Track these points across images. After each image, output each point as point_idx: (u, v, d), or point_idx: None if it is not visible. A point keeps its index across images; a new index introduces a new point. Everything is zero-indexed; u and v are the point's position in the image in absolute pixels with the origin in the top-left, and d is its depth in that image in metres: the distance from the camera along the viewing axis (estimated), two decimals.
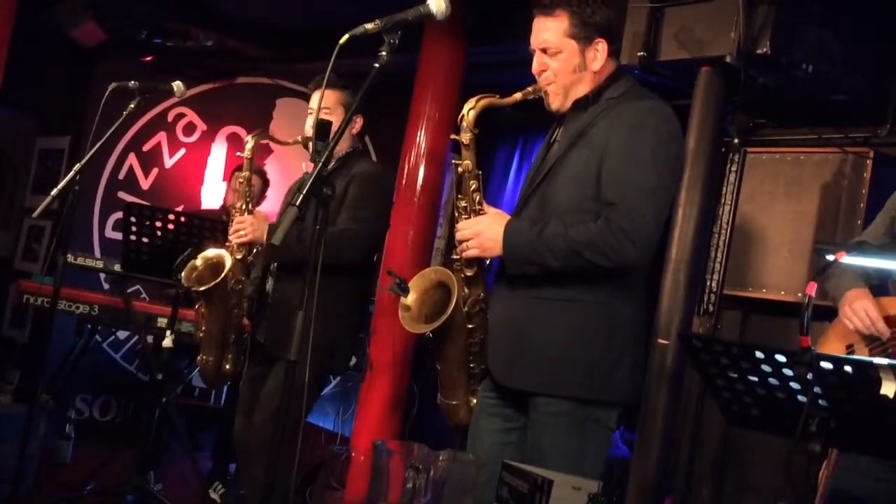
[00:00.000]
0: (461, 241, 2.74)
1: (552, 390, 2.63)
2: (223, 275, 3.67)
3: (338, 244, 3.44)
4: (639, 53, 4.06)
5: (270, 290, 3.69)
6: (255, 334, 3.72)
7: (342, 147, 3.75)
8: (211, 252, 3.82)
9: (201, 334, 3.84)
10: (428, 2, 2.41)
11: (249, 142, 3.81)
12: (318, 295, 3.43)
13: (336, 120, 3.66)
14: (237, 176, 3.97)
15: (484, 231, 2.69)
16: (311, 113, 3.74)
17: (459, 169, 2.77)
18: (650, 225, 2.58)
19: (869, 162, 4.23)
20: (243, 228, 3.66)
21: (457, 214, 2.80)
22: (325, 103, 3.67)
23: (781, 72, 3.92)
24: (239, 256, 3.72)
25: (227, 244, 3.75)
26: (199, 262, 3.83)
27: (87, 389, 6.38)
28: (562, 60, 2.71)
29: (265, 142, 4.16)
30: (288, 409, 2.44)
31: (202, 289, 3.69)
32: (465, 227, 2.74)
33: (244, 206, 3.75)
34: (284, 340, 3.48)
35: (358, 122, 3.80)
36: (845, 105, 4.24)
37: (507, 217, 2.73)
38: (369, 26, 2.33)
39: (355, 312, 3.77)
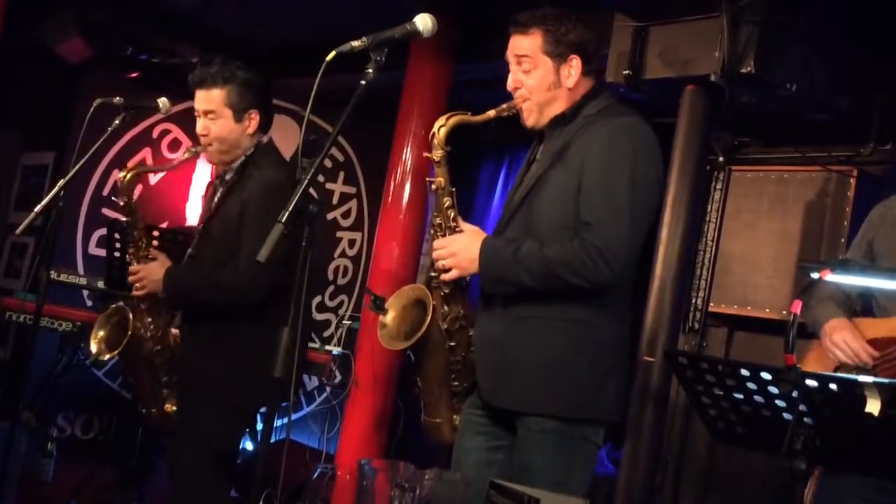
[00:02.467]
0: (437, 260, 2.74)
1: (540, 409, 2.63)
2: (129, 333, 3.39)
3: (241, 289, 3.13)
4: (624, 72, 4.08)
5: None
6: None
7: (237, 153, 3.37)
8: (111, 309, 3.53)
9: (132, 386, 3.61)
10: (415, 19, 2.42)
11: (124, 178, 3.43)
12: (222, 336, 3.25)
13: (225, 121, 3.31)
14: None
15: (461, 251, 2.69)
16: (198, 116, 3.34)
17: (433, 186, 2.76)
18: (625, 244, 2.58)
19: (852, 180, 4.26)
20: (138, 281, 3.38)
21: (432, 232, 2.80)
22: (209, 105, 3.30)
23: (765, 91, 3.95)
24: (144, 306, 3.45)
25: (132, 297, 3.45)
26: (99, 328, 3.53)
27: (70, 407, 6.31)
28: (536, 77, 2.73)
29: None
30: (268, 432, 2.39)
31: (114, 354, 3.44)
32: (441, 247, 2.73)
33: (139, 253, 3.43)
34: (197, 378, 3.29)
35: (254, 120, 3.35)
36: (829, 124, 4.27)
37: (484, 235, 2.73)
38: (356, 43, 2.33)
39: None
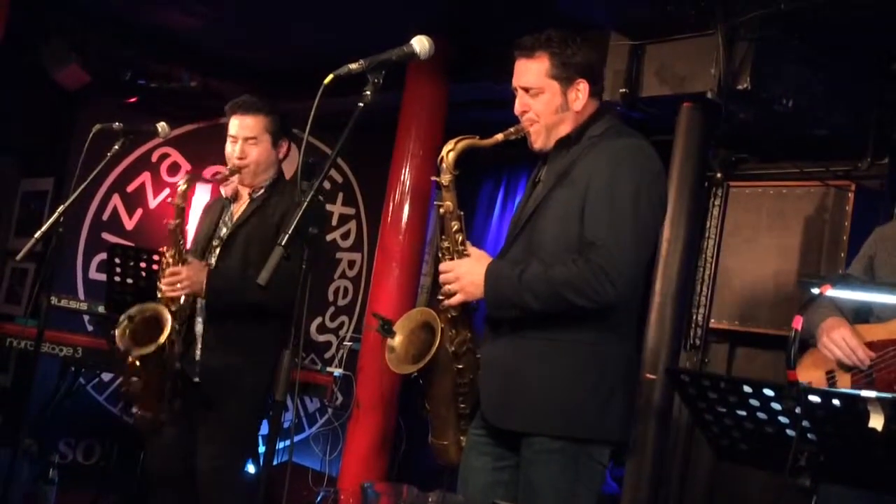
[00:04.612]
0: (443, 284, 2.74)
1: (545, 430, 2.61)
2: (165, 337, 3.39)
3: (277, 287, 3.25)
4: (621, 90, 4.10)
5: (201, 329, 3.54)
6: (185, 371, 3.53)
7: (266, 175, 3.61)
8: (147, 306, 3.52)
9: (133, 387, 3.53)
10: (411, 42, 2.43)
11: (182, 186, 3.55)
12: (249, 339, 3.42)
13: (263, 147, 3.55)
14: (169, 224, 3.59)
15: (465, 275, 2.69)
16: (233, 140, 3.55)
17: (441, 210, 2.76)
18: (630, 264, 2.58)
19: (851, 195, 4.27)
20: (180, 280, 3.44)
21: (440, 255, 2.80)
22: (250, 132, 3.53)
23: (762, 107, 3.97)
24: (174, 308, 3.49)
25: (161, 294, 3.50)
26: (133, 313, 3.50)
27: (71, 432, 6.29)
28: (544, 101, 2.72)
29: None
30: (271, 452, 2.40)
31: (142, 353, 3.40)
32: (446, 270, 2.73)
33: (177, 255, 3.52)
34: (226, 381, 3.42)
35: (284, 147, 3.66)
36: (826, 139, 4.29)
37: (489, 259, 2.72)
38: (353, 66, 2.34)
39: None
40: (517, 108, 2.77)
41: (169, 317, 3.44)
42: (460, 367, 2.80)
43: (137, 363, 3.47)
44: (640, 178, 2.62)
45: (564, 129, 2.74)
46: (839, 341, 2.74)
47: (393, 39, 2.47)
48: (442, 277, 2.73)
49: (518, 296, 2.59)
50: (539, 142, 2.76)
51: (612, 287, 2.52)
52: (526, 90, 2.74)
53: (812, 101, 4.01)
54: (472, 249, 2.75)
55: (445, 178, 2.73)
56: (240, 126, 3.56)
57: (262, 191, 3.60)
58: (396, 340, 2.88)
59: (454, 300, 2.71)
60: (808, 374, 2.82)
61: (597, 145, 2.68)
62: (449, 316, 2.78)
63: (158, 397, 3.53)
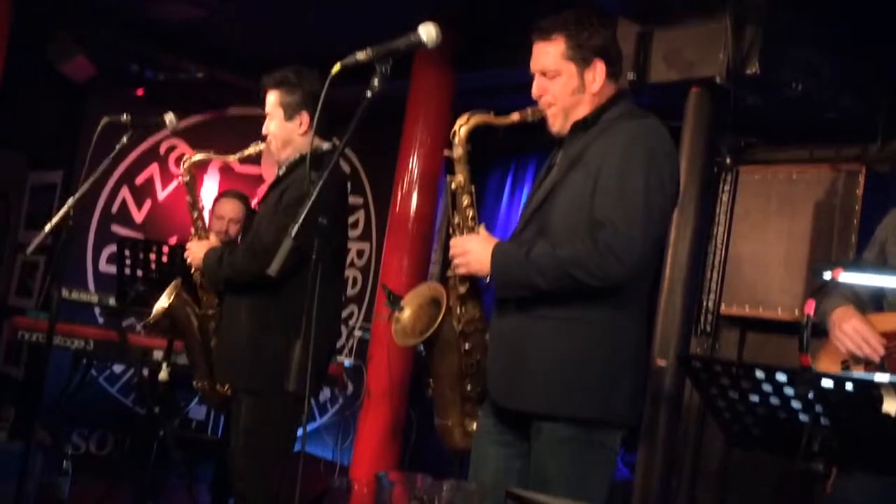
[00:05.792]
0: (452, 258, 2.74)
1: (553, 412, 2.60)
2: (169, 302, 3.68)
3: (248, 258, 3.34)
4: (629, 75, 4.08)
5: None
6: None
7: (288, 151, 3.52)
8: (172, 284, 3.84)
9: (187, 355, 3.86)
10: (418, 30, 2.41)
11: (189, 160, 3.73)
12: (269, 314, 3.36)
13: (277, 122, 3.48)
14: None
15: (472, 251, 2.68)
16: (268, 116, 3.53)
17: (453, 185, 2.76)
18: (638, 242, 2.55)
19: (861, 178, 4.25)
20: (189, 255, 3.66)
21: (451, 231, 2.79)
22: (266, 106, 3.51)
23: (771, 91, 3.95)
24: (201, 281, 3.72)
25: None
26: (164, 300, 3.79)
27: (84, 424, 6.34)
28: (561, 83, 2.71)
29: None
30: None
31: (157, 316, 3.72)
32: (456, 245, 2.73)
33: (195, 231, 3.70)
34: (233, 367, 3.42)
35: (305, 121, 3.48)
36: (836, 123, 4.27)
37: (497, 240, 2.72)
38: (360, 56, 2.33)
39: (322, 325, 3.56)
40: (534, 92, 2.75)
41: (179, 284, 3.73)
42: (467, 347, 2.80)
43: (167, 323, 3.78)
44: (651, 157, 2.60)
45: (582, 111, 2.72)
46: (850, 332, 2.70)
47: (400, 28, 2.46)
48: (452, 252, 2.73)
49: (525, 275, 2.58)
50: (557, 125, 2.74)
51: (621, 266, 2.51)
52: (543, 73, 2.72)
53: (821, 85, 3.99)
54: (481, 229, 2.75)
55: (457, 152, 2.72)
56: (266, 101, 3.56)
57: (283, 169, 3.54)
58: (405, 314, 2.87)
59: (459, 270, 2.70)
60: (824, 365, 2.79)
61: (610, 128, 2.67)
62: (458, 293, 2.78)
63: (208, 369, 3.69)
